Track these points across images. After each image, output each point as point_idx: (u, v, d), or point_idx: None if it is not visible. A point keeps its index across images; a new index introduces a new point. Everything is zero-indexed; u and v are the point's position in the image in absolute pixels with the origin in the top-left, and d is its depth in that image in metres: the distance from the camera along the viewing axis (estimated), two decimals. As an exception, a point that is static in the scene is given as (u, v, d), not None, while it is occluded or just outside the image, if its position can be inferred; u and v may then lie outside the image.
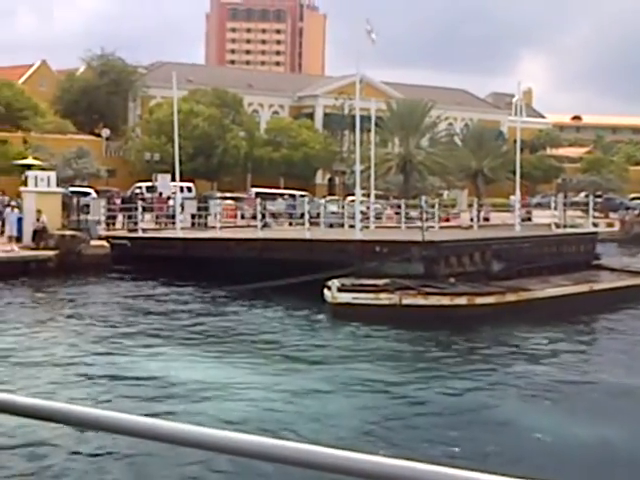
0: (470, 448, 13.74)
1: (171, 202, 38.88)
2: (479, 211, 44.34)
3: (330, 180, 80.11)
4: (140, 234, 35.23)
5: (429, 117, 70.87)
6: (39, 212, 32.29)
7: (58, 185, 36.12)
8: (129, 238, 34.12)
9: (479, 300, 25.52)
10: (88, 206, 36.57)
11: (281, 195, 52.76)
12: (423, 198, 36.26)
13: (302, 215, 37.49)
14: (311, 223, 37.76)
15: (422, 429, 15.30)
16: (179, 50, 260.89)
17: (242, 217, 45.06)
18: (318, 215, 39.96)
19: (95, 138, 66.80)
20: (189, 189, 55.11)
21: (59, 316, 25.63)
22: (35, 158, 51.09)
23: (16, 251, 31.29)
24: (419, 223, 31.37)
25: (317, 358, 21.08)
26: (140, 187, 54.59)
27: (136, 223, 36.05)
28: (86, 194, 47.09)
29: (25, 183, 35.40)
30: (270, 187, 59.77)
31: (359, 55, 33.48)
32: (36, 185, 34.44)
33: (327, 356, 21.45)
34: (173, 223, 36.62)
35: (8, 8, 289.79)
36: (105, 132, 66.46)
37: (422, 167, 66.00)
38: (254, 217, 37.50)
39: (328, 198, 56.69)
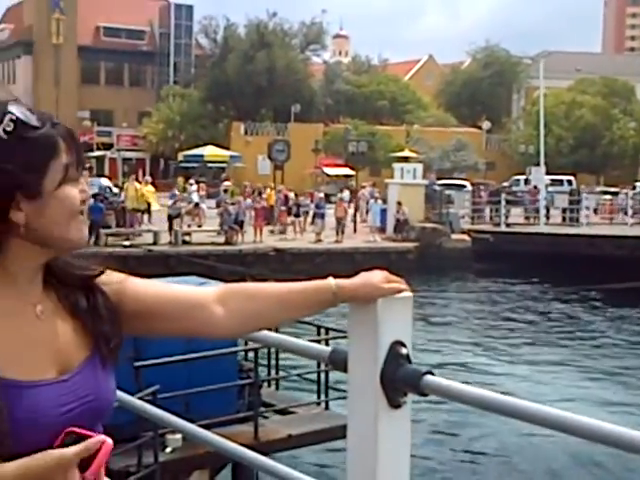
0: None
1: (540, 196, 36.99)
2: None
3: None
4: (503, 228, 33.87)
5: None
6: (399, 204, 32.32)
7: (426, 177, 35.99)
8: (491, 232, 32.92)
9: None
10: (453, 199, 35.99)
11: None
12: None
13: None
14: None
15: None
16: (572, 39, 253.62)
17: (625, 213, 41.72)
18: None
19: (475, 131, 66.37)
20: (569, 182, 52.60)
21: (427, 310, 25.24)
22: (412, 151, 51.87)
23: (378, 242, 31.60)
24: None
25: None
26: (518, 180, 53.41)
27: (500, 217, 34.79)
28: (461, 187, 46.72)
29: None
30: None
31: None
32: (402, 177, 34.64)
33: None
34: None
35: (419, 8, 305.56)
36: (486, 125, 65.72)
37: None
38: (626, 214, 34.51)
39: None
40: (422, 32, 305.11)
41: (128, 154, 62.50)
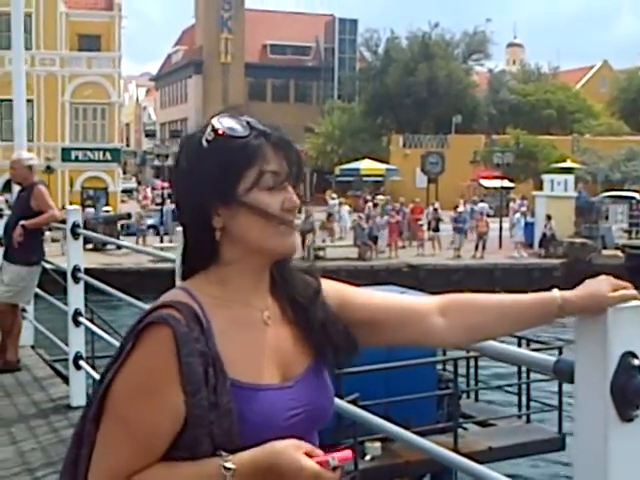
0: None
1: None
2: None
3: None
4: (661, 243, 31.28)
5: None
6: (549, 218, 30.47)
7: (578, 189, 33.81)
8: (647, 247, 30.47)
9: None
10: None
11: None
12: None
13: None
14: None
15: None
16: None
17: None
18: None
19: (650, 139, 62.44)
20: None
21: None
22: (577, 162, 49.36)
23: (522, 258, 29.96)
24: None
25: None
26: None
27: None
28: (630, 199, 43.95)
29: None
30: None
31: None
32: (552, 189, 32.73)
33: None
34: None
35: (610, 13, 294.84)
36: (660, 132, 61.75)
37: None
38: None
39: None
40: (609, 38, 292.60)
41: (289, 169, 63.06)
